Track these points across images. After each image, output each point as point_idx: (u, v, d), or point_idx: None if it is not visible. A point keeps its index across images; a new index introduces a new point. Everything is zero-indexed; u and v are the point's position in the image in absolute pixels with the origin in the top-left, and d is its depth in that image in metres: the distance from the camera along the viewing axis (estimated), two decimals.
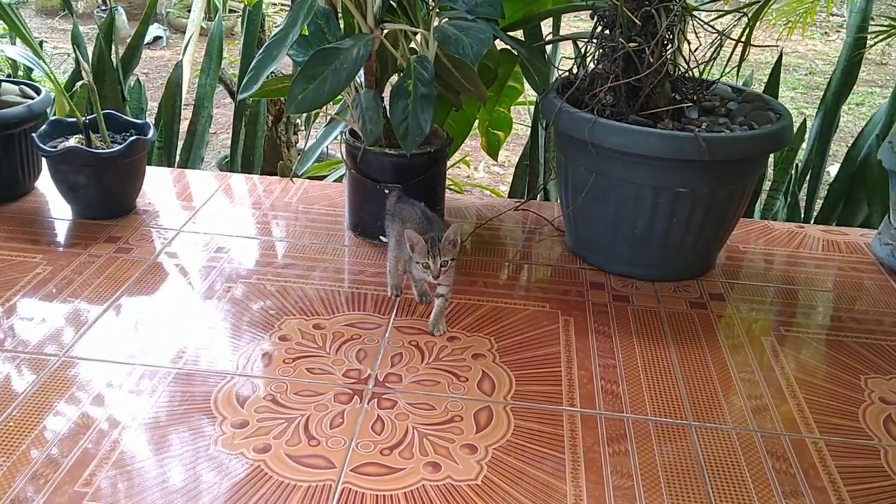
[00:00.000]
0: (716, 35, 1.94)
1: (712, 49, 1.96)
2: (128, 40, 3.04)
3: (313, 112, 2.97)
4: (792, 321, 1.87)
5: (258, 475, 1.30)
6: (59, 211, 2.20)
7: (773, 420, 1.51)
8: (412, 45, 2.00)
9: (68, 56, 5.78)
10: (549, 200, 2.68)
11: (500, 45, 2.13)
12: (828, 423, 1.51)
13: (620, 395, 1.56)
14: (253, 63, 1.76)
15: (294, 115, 3.18)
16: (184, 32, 4.71)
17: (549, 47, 2.71)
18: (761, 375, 1.64)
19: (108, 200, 2.17)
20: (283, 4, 5.05)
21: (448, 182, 3.28)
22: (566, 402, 1.53)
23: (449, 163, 3.58)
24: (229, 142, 3.18)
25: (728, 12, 2.07)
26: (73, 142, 2.16)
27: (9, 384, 1.50)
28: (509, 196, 2.85)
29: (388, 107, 1.85)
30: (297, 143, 3.52)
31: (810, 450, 1.44)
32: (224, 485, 1.28)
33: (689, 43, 1.99)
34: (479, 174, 4.61)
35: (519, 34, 2.29)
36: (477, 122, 2.53)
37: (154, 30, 7.25)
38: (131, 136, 2.19)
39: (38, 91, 2.29)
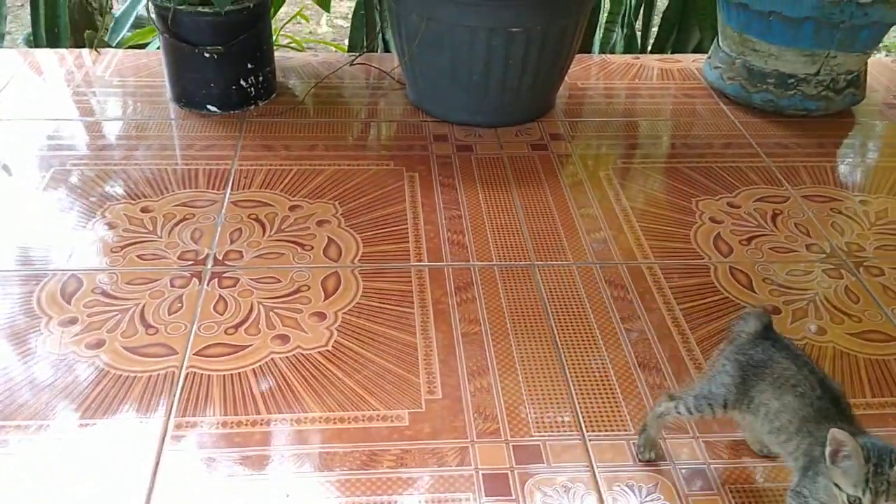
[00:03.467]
0: None
1: None
2: None
3: None
4: (629, 154, 1.91)
5: (93, 372, 1.23)
6: None
7: (611, 251, 1.56)
8: None
9: None
10: (389, 52, 2.57)
11: None
12: (662, 248, 1.58)
13: (466, 245, 1.56)
14: None
15: None
16: None
17: None
18: (600, 210, 1.69)
19: None
20: None
21: (286, 40, 3.10)
22: (414, 258, 1.52)
23: (285, 19, 3.37)
24: None
25: None
26: None
27: None
28: (349, 50, 2.72)
29: None
30: (111, 8, 3.18)
31: (646, 275, 1.51)
32: (57, 384, 1.21)
33: None
34: (323, 29, 4.37)
35: None
36: None
37: None
38: None
39: None
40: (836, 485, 0.90)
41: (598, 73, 2.26)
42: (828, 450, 0.90)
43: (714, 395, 1.06)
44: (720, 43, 2.15)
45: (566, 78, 2.10)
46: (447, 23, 1.79)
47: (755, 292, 1.47)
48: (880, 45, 2.81)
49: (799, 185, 1.77)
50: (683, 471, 1.13)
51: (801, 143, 1.95)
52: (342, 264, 1.49)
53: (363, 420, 1.18)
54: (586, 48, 2.48)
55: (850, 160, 1.93)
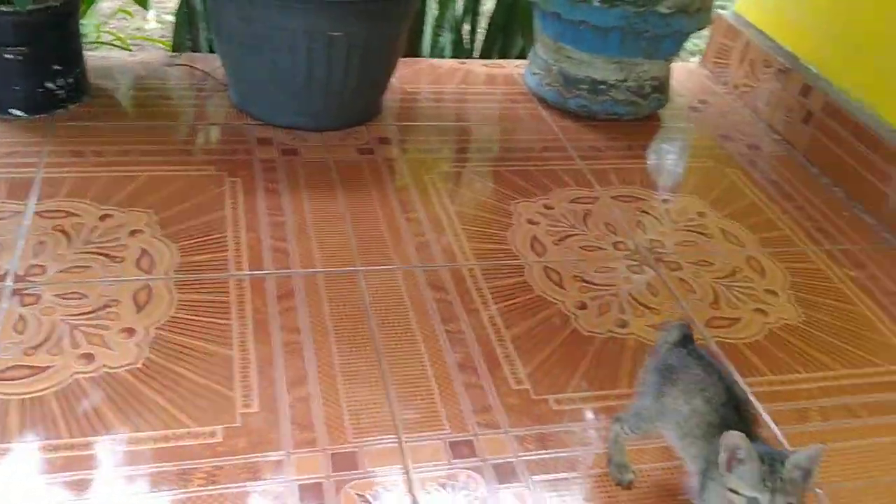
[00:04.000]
0: None
1: None
2: None
3: None
4: (454, 158, 1.96)
5: None
6: None
7: (433, 254, 1.60)
8: None
9: None
10: (214, 52, 2.49)
11: None
12: (482, 250, 1.63)
13: (289, 252, 1.55)
14: None
15: None
16: None
17: None
18: (425, 213, 1.72)
19: None
20: None
21: (110, 37, 2.94)
22: (233, 268, 1.49)
23: (108, 14, 3.19)
24: None
25: None
26: None
27: None
28: (174, 49, 2.61)
29: None
30: None
31: (466, 277, 1.55)
32: None
33: None
34: (151, 25, 4.18)
35: None
36: None
37: None
38: None
39: None
40: (734, 490, 0.91)
41: (426, 77, 2.30)
42: (722, 456, 0.91)
43: (646, 409, 1.09)
44: (538, 50, 2.25)
45: (395, 81, 2.12)
46: (266, 24, 1.76)
47: (565, 289, 1.55)
48: (692, 49, 3.04)
49: (608, 187, 1.89)
50: (493, 465, 1.18)
51: (612, 146, 2.07)
52: (155, 276, 1.44)
53: (173, 438, 1.15)
54: (415, 51, 2.51)
55: (655, 162, 2.07)
